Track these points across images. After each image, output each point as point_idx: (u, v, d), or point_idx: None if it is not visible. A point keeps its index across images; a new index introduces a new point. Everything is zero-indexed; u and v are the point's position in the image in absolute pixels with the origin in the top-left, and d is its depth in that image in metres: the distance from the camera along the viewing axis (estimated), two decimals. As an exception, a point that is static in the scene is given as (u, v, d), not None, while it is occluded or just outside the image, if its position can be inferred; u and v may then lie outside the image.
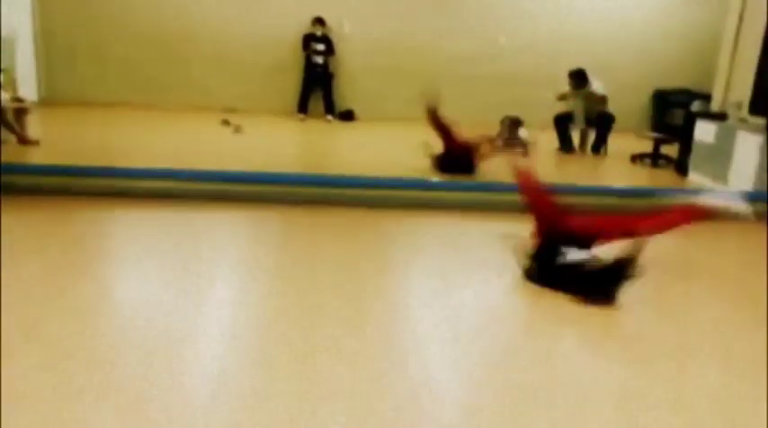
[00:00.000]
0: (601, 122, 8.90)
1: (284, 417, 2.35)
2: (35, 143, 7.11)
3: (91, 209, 4.95)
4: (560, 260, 3.71)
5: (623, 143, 9.03)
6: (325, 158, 8.36)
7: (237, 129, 8.84)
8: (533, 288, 3.76)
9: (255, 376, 2.66)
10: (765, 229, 5.20)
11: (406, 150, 7.38)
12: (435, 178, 6.40)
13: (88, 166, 5.67)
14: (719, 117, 7.44)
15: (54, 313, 3.13)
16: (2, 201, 4.70)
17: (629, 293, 3.61)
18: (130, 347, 2.85)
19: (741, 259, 4.89)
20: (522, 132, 8.25)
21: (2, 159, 5.77)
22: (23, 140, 7.09)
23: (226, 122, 9.19)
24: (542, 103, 9.49)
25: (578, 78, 8.75)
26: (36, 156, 6.74)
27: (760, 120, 6.64)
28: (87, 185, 5.31)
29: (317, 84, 10.81)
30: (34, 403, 2.34)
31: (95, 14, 10.41)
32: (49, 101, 10.11)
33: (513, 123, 8.36)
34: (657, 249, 4.50)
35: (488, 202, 5.60)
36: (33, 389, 2.43)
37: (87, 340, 2.88)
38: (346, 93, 11.01)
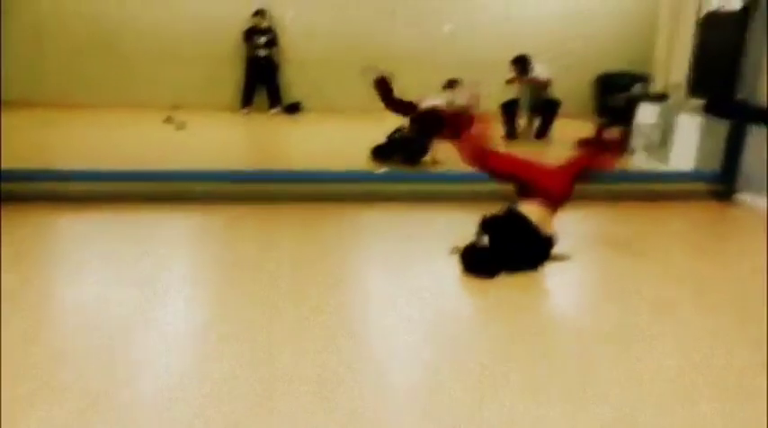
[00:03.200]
0: (546, 108, 8.97)
1: (240, 413, 2.33)
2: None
3: (28, 214, 4.72)
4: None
5: (569, 128, 9.13)
6: (270, 153, 8.23)
7: (180, 126, 8.64)
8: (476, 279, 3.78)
9: (207, 376, 2.60)
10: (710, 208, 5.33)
11: (353, 142, 7.32)
12: (383, 169, 6.36)
13: (25, 169, 5.42)
14: (660, 99, 7.57)
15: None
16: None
17: (573, 272, 3.64)
18: (77, 350, 2.78)
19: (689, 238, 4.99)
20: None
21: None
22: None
23: (169, 119, 8.97)
24: (487, 89, 9.51)
25: (522, 64, 8.79)
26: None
27: (699, 101, 6.78)
28: (23, 189, 5.08)
29: (261, 78, 10.65)
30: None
31: (33, 13, 10.04)
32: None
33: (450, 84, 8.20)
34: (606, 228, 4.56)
35: (437, 193, 5.62)
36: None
37: (32, 344, 2.79)
38: (292, 86, 10.86)
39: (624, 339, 3.11)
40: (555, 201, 3.99)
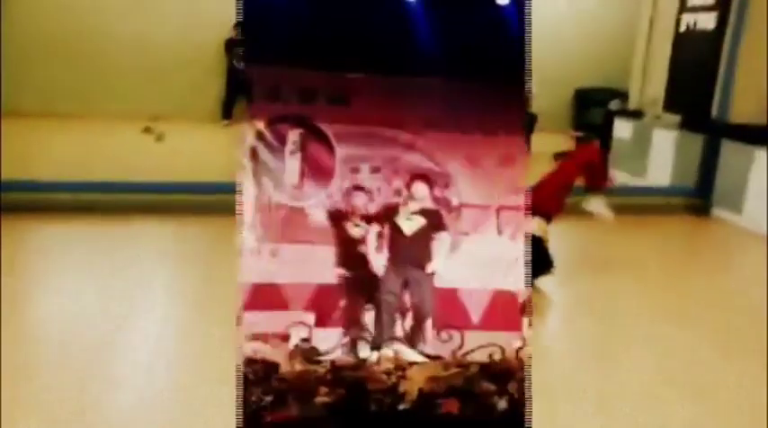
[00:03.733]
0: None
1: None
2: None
3: (5, 224, 4.63)
4: None
5: (547, 142, 9.24)
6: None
7: (160, 137, 8.56)
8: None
9: (207, 377, 2.59)
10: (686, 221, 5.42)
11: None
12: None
13: (13, 180, 5.32)
14: (636, 114, 7.71)
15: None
16: None
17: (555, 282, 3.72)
18: (76, 351, 2.77)
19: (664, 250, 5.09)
20: None
21: None
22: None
23: (148, 130, 8.88)
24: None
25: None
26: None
27: (674, 117, 6.92)
28: (9, 199, 4.96)
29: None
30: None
31: (14, 25, 9.93)
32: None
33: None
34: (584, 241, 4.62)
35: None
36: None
37: (32, 346, 2.78)
38: (272, 98, 10.83)
39: (622, 341, 3.17)
40: (551, 216, 4.01)
